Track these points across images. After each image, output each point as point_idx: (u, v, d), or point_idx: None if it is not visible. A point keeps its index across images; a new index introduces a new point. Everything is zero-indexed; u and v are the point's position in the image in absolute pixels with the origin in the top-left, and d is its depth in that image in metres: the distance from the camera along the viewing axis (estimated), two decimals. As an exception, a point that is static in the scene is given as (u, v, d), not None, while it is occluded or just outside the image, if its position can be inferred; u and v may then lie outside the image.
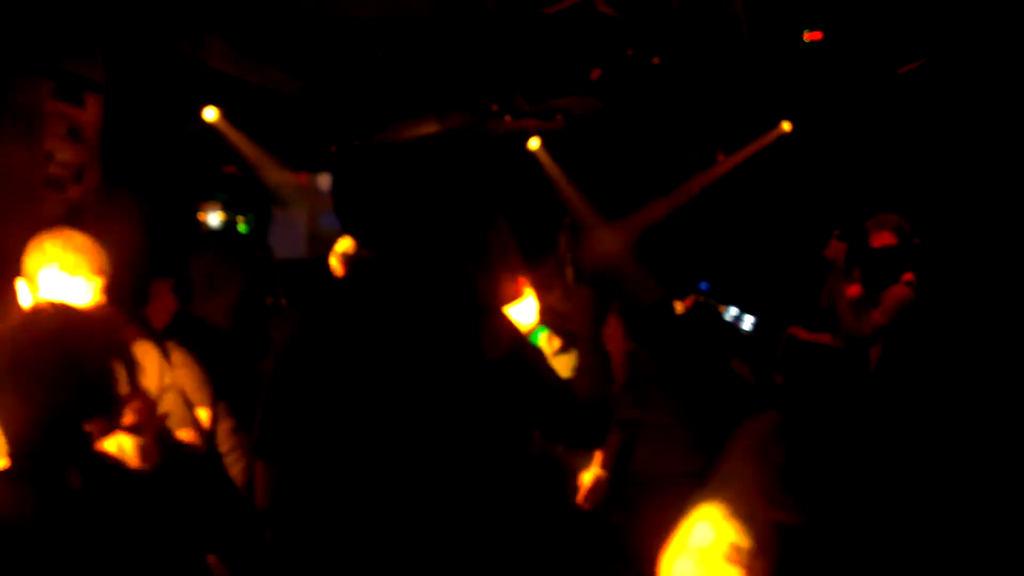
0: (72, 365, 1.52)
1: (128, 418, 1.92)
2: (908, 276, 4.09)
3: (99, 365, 1.57)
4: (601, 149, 7.38)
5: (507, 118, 5.90)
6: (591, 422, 1.73)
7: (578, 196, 7.73)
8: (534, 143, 7.51)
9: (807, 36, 5.26)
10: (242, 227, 8.27)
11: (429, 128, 6.17)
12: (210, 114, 5.60)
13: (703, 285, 7.68)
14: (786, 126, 6.73)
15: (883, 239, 4.00)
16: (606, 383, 1.86)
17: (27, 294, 2.28)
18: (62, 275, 2.25)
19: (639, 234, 7.76)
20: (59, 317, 1.59)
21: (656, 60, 4.58)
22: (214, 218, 8.17)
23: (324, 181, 8.74)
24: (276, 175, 8.06)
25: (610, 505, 3.55)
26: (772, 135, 6.65)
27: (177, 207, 7.48)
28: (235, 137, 6.25)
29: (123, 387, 1.58)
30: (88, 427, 1.54)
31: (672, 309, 4.18)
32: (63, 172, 5.21)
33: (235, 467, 3.04)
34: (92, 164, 5.56)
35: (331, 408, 1.56)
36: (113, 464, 1.72)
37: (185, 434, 2.58)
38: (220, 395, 2.90)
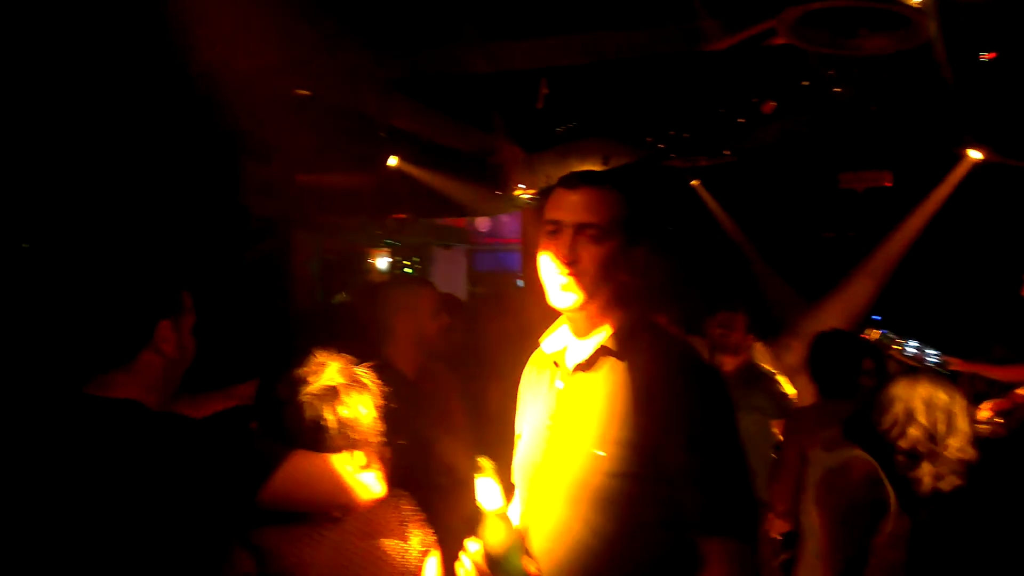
0: None
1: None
2: None
3: None
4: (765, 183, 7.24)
5: (672, 155, 5.89)
6: None
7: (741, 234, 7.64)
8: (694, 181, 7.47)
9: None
10: (408, 269, 8.67)
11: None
12: (392, 162, 5.86)
13: (876, 318, 7.35)
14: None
15: None
16: None
17: None
18: None
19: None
20: None
21: (838, 89, 4.47)
22: (383, 261, 8.60)
23: (482, 224, 9.02)
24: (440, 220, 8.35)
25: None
26: (962, 167, 6.24)
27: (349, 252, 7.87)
28: (410, 184, 6.49)
29: None
30: None
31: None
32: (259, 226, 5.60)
33: None
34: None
35: None
36: None
37: None
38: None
